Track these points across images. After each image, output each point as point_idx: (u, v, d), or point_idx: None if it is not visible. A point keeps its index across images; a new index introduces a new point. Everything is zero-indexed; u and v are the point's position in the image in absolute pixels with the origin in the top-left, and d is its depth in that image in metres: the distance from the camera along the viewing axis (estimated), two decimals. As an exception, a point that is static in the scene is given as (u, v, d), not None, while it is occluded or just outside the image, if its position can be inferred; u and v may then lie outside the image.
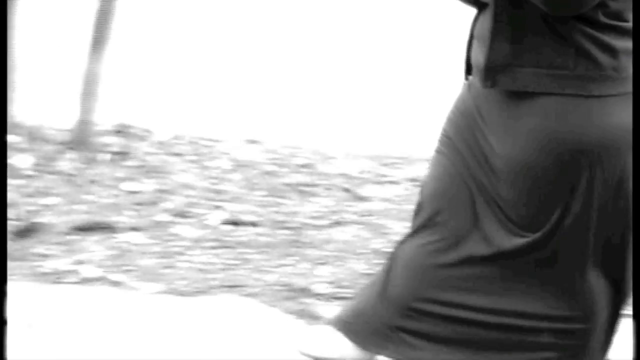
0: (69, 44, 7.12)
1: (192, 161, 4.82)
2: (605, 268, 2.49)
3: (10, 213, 3.91)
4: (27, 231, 3.80)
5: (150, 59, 7.45)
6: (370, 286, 2.70)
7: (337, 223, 4.21)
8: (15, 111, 4.66)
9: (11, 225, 3.81)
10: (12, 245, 3.65)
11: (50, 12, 8.07)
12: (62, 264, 3.58)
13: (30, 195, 4.14)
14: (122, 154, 4.68)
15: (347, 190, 4.66)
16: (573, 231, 2.42)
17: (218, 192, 4.45)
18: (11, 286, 3.34)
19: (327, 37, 9.68)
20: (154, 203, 4.21)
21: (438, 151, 2.60)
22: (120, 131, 4.98)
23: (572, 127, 2.35)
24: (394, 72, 7.35)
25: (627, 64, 2.35)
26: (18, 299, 3.29)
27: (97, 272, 3.54)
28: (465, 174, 2.50)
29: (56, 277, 3.49)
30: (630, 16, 2.35)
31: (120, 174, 4.49)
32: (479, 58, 2.43)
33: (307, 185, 4.66)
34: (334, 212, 4.34)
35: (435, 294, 2.54)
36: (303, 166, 4.95)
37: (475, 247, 2.50)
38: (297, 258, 3.81)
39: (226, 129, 5.56)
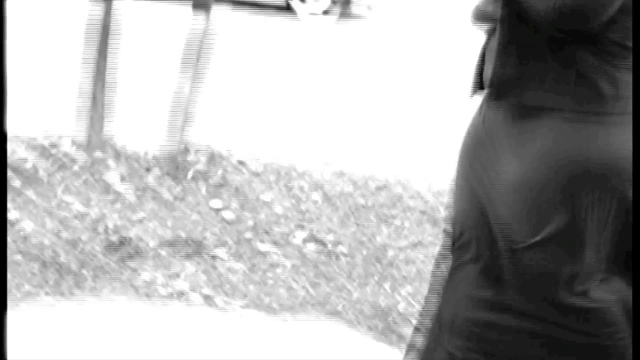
0: (160, 66, 7.33)
1: (273, 182, 4.94)
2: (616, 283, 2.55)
3: (102, 228, 4.05)
4: (120, 246, 3.91)
5: (233, 83, 7.62)
6: (424, 314, 2.80)
7: (417, 244, 4.29)
8: (112, 130, 4.82)
9: (104, 239, 3.95)
10: (104, 259, 3.78)
11: (141, 35, 8.26)
12: (154, 278, 3.69)
13: (121, 212, 4.27)
14: (208, 174, 4.81)
15: (424, 212, 4.74)
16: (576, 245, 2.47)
17: (300, 212, 4.55)
18: (106, 299, 3.49)
19: (397, 69, 9.78)
20: (239, 222, 4.32)
21: (456, 173, 2.69)
22: (205, 151, 5.11)
23: (575, 147, 2.40)
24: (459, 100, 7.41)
25: (627, 85, 2.39)
26: (114, 312, 3.42)
27: (188, 287, 3.65)
28: (476, 195, 2.59)
29: (149, 291, 3.61)
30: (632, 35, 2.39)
31: (206, 192, 4.62)
32: (488, 76, 2.52)
33: (386, 207, 4.75)
34: (412, 234, 4.42)
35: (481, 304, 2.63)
36: (380, 189, 5.04)
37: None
38: (379, 278, 3.90)
39: (303, 151, 5.68)
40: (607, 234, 2.48)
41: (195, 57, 4.69)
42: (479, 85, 2.60)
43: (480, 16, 2.58)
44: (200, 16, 4.65)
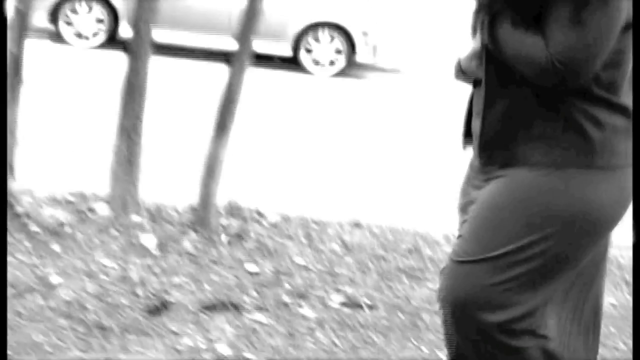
0: (190, 128, 7.41)
1: (304, 244, 4.99)
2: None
3: (143, 291, 4.10)
4: (159, 309, 3.95)
5: (250, 138, 7.70)
6: None
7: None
8: (140, 192, 4.87)
9: (144, 303, 3.99)
10: (147, 323, 3.82)
11: (170, 97, 8.37)
12: (195, 341, 3.72)
13: (157, 274, 4.31)
14: (239, 236, 4.86)
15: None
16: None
17: (333, 274, 4.60)
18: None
19: (417, 127, 9.86)
20: (274, 284, 4.37)
21: None
22: (236, 213, 5.17)
23: (549, 190, 2.44)
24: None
25: (614, 137, 2.44)
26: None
27: (229, 351, 3.68)
28: (459, 221, 2.67)
29: (191, 354, 3.64)
30: (621, 87, 2.44)
31: (239, 254, 4.67)
32: (476, 131, 2.57)
33: (417, 269, 4.80)
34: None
35: None
36: (410, 251, 5.09)
37: None
38: (417, 341, 3.94)
39: (330, 210, 5.74)
40: (563, 280, 2.51)
41: (228, 118, 4.76)
42: (469, 137, 2.67)
43: (462, 73, 2.64)
44: (236, 75, 4.73)
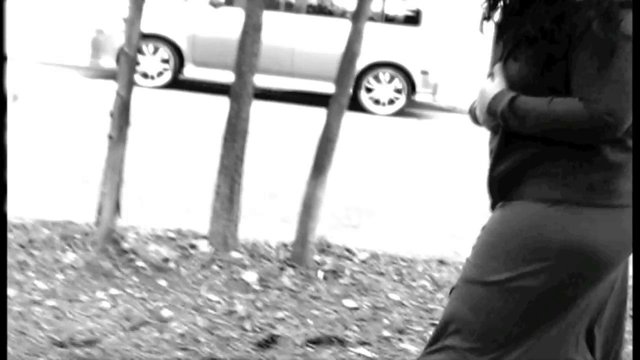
0: (288, 167, 7.56)
1: (396, 280, 5.12)
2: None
3: (249, 325, 4.24)
4: (268, 342, 4.09)
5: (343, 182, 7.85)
6: None
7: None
8: (240, 230, 5.04)
9: (252, 337, 4.13)
10: (255, 355, 3.96)
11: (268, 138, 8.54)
12: (306, 374, 3.86)
13: (261, 309, 4.46)
14: (334, 272, 5.00)
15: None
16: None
17: (427, 310, 4.72)
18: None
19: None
20: (373, 319, 4.50)
21: None
22: (327, 250, 5.32)
23: (545, 224, 2.46)
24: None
25: (620, 177, 2.45)
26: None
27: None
28: None
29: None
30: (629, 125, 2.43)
31: (336, 290, 4.81)
32: (488, 170, 2.61)
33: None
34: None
35: None
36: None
37: None
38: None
39: (414, 248, 5.86)
40: (556, 322, 2.52)
41: (326, 159, 4.91)
42: None
43: (476, 119, 2.71)
44: (334, 117, 4.88)
